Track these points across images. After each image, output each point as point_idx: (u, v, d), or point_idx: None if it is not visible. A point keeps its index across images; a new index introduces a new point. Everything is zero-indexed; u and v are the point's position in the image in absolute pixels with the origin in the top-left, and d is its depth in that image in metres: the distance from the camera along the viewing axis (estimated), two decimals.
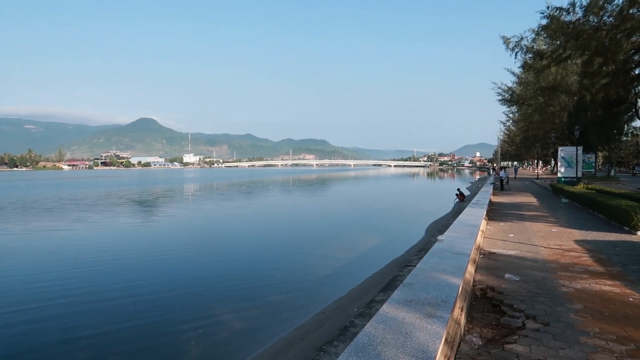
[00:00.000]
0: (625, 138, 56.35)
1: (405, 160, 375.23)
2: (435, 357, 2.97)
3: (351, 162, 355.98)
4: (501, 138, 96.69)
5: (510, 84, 45.77)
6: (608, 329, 4.88)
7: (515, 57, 22.99)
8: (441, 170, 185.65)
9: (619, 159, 75.65)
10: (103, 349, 7.13)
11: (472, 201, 17.00)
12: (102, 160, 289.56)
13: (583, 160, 34.33)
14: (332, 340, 6.20)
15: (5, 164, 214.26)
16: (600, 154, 59.26)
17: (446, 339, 3.56)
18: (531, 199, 23.27)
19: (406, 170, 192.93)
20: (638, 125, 48.79)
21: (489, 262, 8.37)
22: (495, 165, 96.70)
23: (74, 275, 11.55)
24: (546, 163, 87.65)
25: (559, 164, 32.00)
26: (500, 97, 45.27)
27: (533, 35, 21.68)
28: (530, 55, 24.10)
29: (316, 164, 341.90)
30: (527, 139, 59.87)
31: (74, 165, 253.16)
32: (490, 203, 18.89)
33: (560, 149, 32.03)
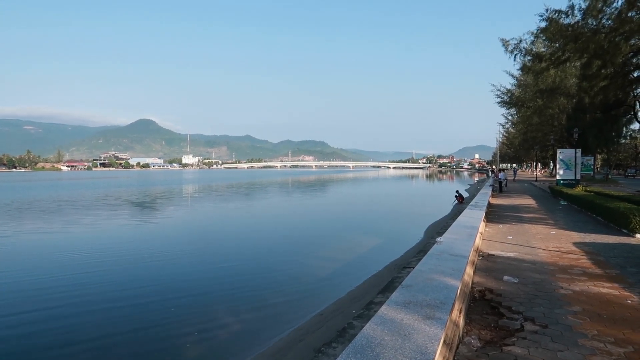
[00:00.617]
0: (623, 141, 56.51)
1: (405, 162, 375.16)
2: (433, 359, 2.97)
3: (350, 164, 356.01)
4: (500, 140, 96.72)
5: (509, 86, 45.99)
6: (606, 331, 4.88)
7: (514, 60, 23.09)
8: (440, 172, 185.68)
9: (618, 162, 75.83)
10: (101, 352, 7.11)
11: (470, 203, 17.01)
12: (101, 162, 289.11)
13: (582, 163, 34.37)
14: (331, 341, 6.20)
15: (4, 165, 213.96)
16: (599, 156, 59.37)
17: (445, 341, 3.56)
18: (530, 201, 23.30)
19: (405, 172, 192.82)
20: (637, 128, 48.96)
21: (488, 264, 8.38)
22: (494, 167, 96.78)
23: (71, 280, 11.34)
24: (545, 165, 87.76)
25: (557, 166, 32.00)
26: (499, 99, 45.38)
27: (532, 38, 21.77)
28: (529, 58, 24.18)
29: (315, 166, 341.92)
30: (526, 141, 59.92)
31: (72, 166, 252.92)
32: (489, 205, 18.91)
33: (559, 151, 32.07)
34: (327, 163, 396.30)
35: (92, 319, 8.50)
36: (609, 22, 17.12)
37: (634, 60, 21.09)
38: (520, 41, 22.19)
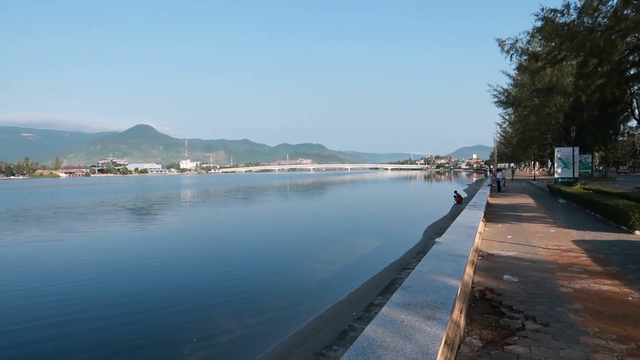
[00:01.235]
0: (621, 138, 56.62)
1: (402, 163, 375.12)
2: None
3: (348, 166, 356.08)
4: (497, 140, 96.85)
5: (505, 86, 45.95)
6: (608, 329, 4.87)
7: (511, 59, 23.10)
8: (438, 173, 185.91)
9: (616, 159, 76.03)
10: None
11: (469, 203, 17.01)
12: (99, 168, 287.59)
13: (580, 161, 34.38)
14: (332, 344, 6.18)
15: (2, 172, 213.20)
16: (596, 154, 59.48)
17: (446, 341, 3.55)
18: (528, 200, 23.31)
19: (403, 173, 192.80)
20: (634, 126, 49.01)
21: (488, 263, 8.36)
22: (492, 167, 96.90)
23: (67, 288, 11.11)
24: (543, 164, 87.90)
25: (555, 164, 32.04)
26: (496, 99, 45.38)
27: (528, 37, 21.82)
28: (525, 57, 24.22)
29: (313, 169, 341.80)
30: (523, 141, 59.95)
31: (71, 172, 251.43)
32: (488, 205, 18.91)
33: (556, 149, 32.09)
34: (324, 166, 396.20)
35: (89, 327, 8.39)
36: (605, 20, 17.16)
37: (630, 57, 21.15)
38: (517, 41, 22.23)
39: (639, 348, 4.36)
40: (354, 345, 3.18)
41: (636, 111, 30.60)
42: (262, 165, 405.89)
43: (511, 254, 9.21)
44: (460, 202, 29.03)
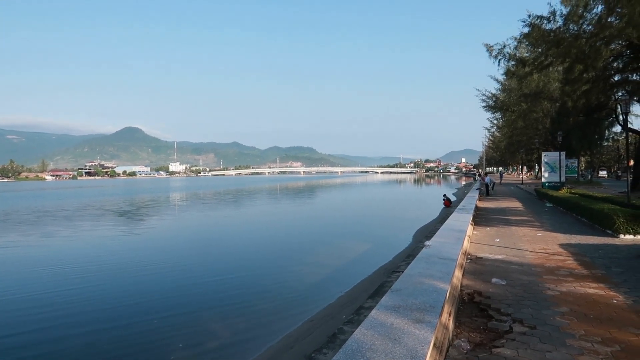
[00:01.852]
0: (606, 143, 57.44)
1: (392, 166, 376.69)
2: None
3: (338, 170, 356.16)
4: (486, 144, 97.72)
5: (494, 91, 46.49)
6: (593, 331, 4.93)
7: (499, 65, 23.40)
8: (428, 176, 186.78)
9: (601, 164, 77.12)
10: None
11: (458, 207, 17.14)
12: (86, 170, 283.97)
13: (566, 165, 34.83)
14: (321, 347, 6.17)
15: None
16: (582, 159, 60.28)
17: (435, 344, 3.57)
18: (516, 204, 23.55)
19: (393, 176, 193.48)
20: (618, 131, 49.74)
21: (476, 266, 8.43)
22: (480, 171, 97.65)
23: (51, 296, 10.59)
24: (530, 168, 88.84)
25: (542, 169, 32.42)
26: (484, 104, 45.92)
27: (515, 43, 22.13)
28: (512, 63, 24.50)
29: (303, 172, 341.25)
30: (511, 145, 60.65)
31: (57, 175, 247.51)
32: (477, 208, 19.07)
33: (543, 154, 32.49)
34: (315, 169, 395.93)
35: (73, 333, 8.16)
36: (590, 27, 17.45)
37: (615, 64, 21.53)
38: (504, 46, 22.52)
39: (623, 350, 4.41)
40: (343, 349, 3.19)
41: (620, 117, 31.12)
42: (252, 168, 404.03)
43: (499, 257, 9.29)
44: (449, 205, 29.21)
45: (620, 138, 58.22)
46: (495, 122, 66.95)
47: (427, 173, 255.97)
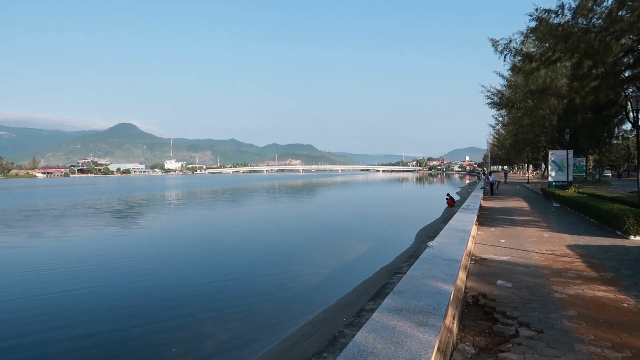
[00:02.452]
0: (615, 141, 56.91)
1: (394, 165, 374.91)
2: None
3: (339, 167, 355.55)
4: (491, 142, 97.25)
5: (499, 87, 46.06)
6: (603, 336, 4.78)
7: (504, 60, 23.07)
8: (430, 175, 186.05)
9: (610, 163, 76.46)
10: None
11: (462, 206, 16.93)
12: (79, 168, 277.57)
13: (574, 164, 34.49)
14: (321, 351, 6.04)
15: None
16: (591, 157, 59.76)
17: (438, 348, 3.46)
18: (522, 204, 23.31)
19: (395, 175, 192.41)
20: (628, 129, 49.27)
21: (481, 268, 8.26)
22: (485, 169, 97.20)
23: (41, 299, 10.28)
24: (536, 167, 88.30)
25: (549, 167, 32.08)
26: (489, 101, 45.48)
27: (522, 38, 21.75)
28: (519, 58, 24.18)
29: (303, 170, 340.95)
30: (517, 143, 60.10)
31: (48, 173, 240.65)
32: (481, 208, 18.85)
33: (550, 152, 32.16)
34: (314, 167, 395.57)
35: (64, 336, 7.98)
36: (600, 21, 17.13)
37: (625, 59, 21.16)
38: (510, 41, 22.18)
39: (634, 356, 4.27)
40: (344, 352, 3.13)
41: (631, 114, 30.73)
42: (250, 165, 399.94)
43: (504, 258, 9.11)
44: (452, 205, 29.01)
45: (630, 136, 57.64)
46: (500, 119, 66.62)
47: (430, 171, 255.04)
